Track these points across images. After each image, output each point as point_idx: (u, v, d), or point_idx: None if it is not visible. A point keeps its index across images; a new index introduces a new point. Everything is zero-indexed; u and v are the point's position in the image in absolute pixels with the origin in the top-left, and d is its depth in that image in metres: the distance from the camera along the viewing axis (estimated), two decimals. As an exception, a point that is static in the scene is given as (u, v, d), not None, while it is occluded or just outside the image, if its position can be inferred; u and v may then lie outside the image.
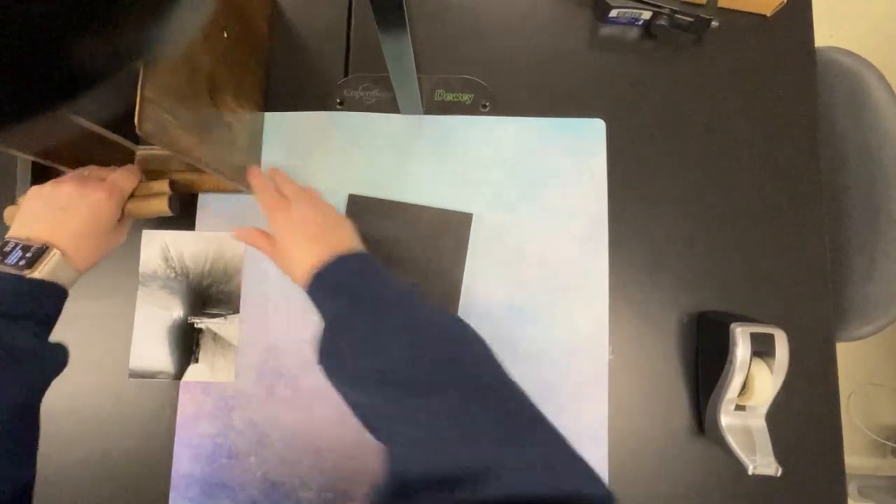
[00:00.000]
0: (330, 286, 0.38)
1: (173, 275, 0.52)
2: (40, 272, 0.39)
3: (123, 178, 0.46)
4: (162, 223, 0.53)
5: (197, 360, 0.51)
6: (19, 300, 0.38)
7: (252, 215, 0.53)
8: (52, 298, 0.40)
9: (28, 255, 0.39)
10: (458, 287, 0.53)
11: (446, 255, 0.53)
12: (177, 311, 0.52)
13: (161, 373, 0.51)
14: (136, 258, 0.52)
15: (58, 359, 0.40)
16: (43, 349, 0.39)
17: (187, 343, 0.52)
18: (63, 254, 0.40)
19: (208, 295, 0.52)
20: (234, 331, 0.52)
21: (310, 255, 0.39)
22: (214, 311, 0.52)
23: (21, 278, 0.38)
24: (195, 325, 0.52)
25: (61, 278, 0.41)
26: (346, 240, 0.41)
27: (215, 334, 0.52)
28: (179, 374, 0.51)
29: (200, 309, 0.52)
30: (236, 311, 0.52)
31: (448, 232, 0.53)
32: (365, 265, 0.39)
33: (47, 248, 0.40)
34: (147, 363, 0.51)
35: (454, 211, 0.53)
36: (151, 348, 0.51)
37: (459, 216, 0.53)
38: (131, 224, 0.48)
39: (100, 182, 0.44)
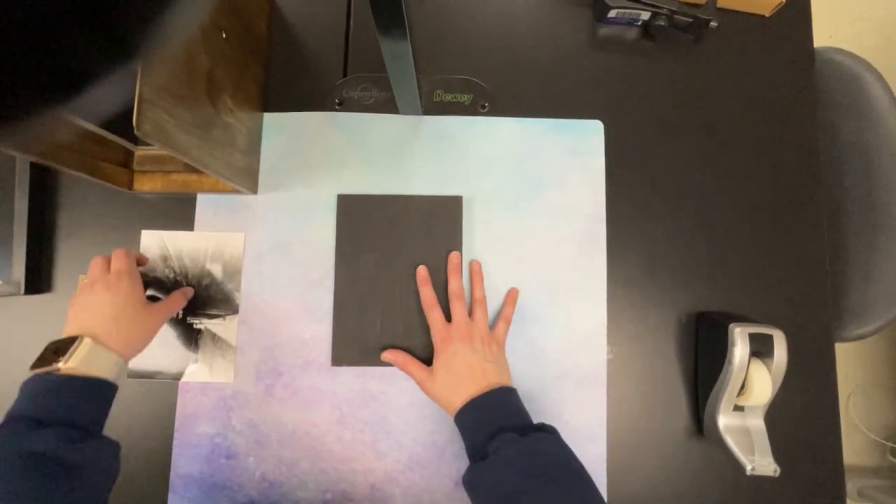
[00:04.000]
0: (472, 420, 0.44)
1: (172, 275, 0.52)
2: (74, 360, 0.38)
3: (120, 258, 0.46)
4: (161, 223, 0.53)
5: (196, 361, 0.51)
6: (50, 401, 0.36)
7: (250, 215, 0.53)
8: (93, 395, 0.39)
9: (58, 351, 0.38)
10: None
11: (442, 241, 0.53)
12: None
13: (160, 373, 0.51)
14: (136, 258, 0.52)
15: (101, 464, 0.38)
16: (82, 456, 0.36)
17: (187, 343, 0.52)
18: (94, 339, 0.39)
19: (207, 295, 0.52)
20: (233, 331, 0.52)
21: (462, 393, 0.45)
22: (214, 312, 0.52)
23: (48, 378, 0.37)
24: (194, 326, 0.52)
25: (103, 369, 0.39)
26: (494, 376, 0.46)
27: (215, 334, 0.52)
28: (179, 375, 0.51)
29: (200, 309, 0.52)
30: (235, 311, 0.52)
31: (440, 217, 0.53)
32: (503, 399, 0.45)
33: (75, 338, 0.39)
34: (146, 363, 0.51)
35: (444, 196, 0.54)
36: (151, 348, 0.51)
37: (450, 200, 0.53)
38: (167, 311, 0.48)
39: (108, 272, 0.45)
